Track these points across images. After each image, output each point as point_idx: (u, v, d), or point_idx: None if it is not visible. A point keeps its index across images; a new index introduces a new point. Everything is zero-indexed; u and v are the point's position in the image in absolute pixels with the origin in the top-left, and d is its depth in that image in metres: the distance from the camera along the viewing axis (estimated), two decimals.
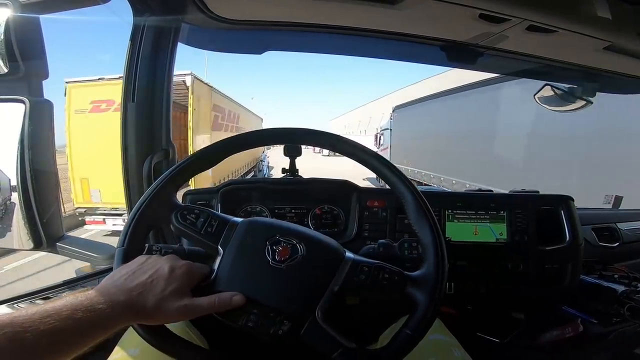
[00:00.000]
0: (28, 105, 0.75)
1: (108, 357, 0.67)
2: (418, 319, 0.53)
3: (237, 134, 0.67)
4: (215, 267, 0.55)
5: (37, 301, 0.77)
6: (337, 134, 0.68)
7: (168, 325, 0.54)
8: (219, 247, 0.55)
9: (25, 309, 0.42)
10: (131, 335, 0.68)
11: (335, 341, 0.51)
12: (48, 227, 0.79)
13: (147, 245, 0.60)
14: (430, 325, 0.53)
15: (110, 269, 0.88)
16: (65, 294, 0.46)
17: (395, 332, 0.54)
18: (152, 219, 0.58)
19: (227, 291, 0.52)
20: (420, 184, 9.04)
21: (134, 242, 0.55)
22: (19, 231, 0.78)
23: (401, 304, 0.57)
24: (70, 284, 0.86)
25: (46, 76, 0.82)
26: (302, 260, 0.54)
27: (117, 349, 0.69)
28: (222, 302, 0.51)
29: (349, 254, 0.57)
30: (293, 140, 0.71)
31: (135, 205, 0.56)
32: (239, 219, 0.58)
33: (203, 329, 0.77)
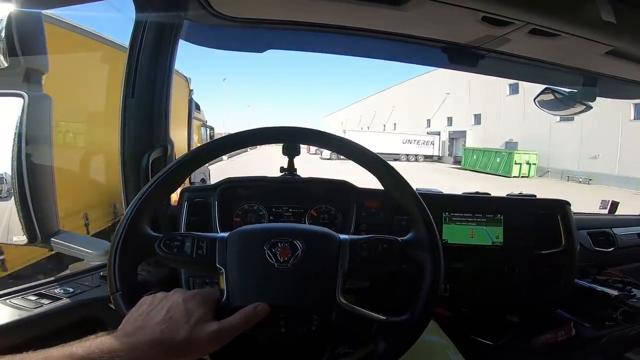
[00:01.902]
0: (27, 99, 0.75)
1: None
2: (430, 277, 0.56)
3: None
4: (224, 286, 0.53)
5: (30, 297, 0.77)
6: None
7: None
8: (218, 266, 0.54)
9: (42, 353, 0.40)
10: None
11: (367, 318, 0.53)
12: (43, 222, 0.78)
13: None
14: (441, 281, 0.56)
15: (104, 266, 0.88)
16: (86, 338, 0.44)
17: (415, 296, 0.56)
18: (134, 257, 0.55)
19: (248, 305, 0.51)
20: None
21: (127, 283, 0.53)
22: (8, 225, 0.78)
23: (405, 273, 0.57)
24: (62, 280, 0.85)
25: (46, 71, 0.82)
26: (304, 255, 0.55)
27: None
28: (249, 316, 0.50)
29: (343, 236, 0.59)
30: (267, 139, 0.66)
31: (111, 248, 0.53)
32: (225, 233, 0.57)
33: None
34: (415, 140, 26.96)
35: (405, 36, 1.10)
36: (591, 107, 1.25)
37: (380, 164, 0.62)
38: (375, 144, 22.15)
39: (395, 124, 35.10)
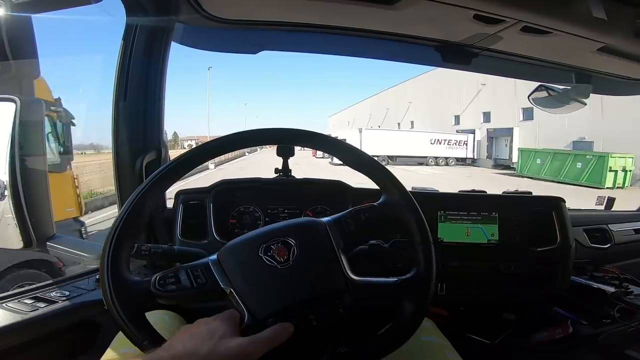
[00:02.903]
0: (19, 104, 0.75)
1: (101, 356, 0.68)
2: (417, 228, 0.59)
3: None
4: (241, 305, 0.52)
5: (26, 300, 0.77)
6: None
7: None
8: (224, 287, 0.52)
9: None
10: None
11: (382, 284, 0.56)
12: (38, 226, 0.79)
13: (135, 245, 0.58)
14: (428, 230, 0.59)
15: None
16: None
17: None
18: (137, 308, 0.52)
19: (278, 322, 0.50)
20: None
21: (147, 330, 0.51)
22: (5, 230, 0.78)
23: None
24: (60, 283, 0.86)
25: (38, 75, 0.82)
26: (300, 248, 0.55)
27: (110, 347, 0.69)
28: (279, 333, 0.49)
29: (326, 219, 0.60)
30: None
31: (110, 305, 0.50)
32: (214, 255, 0.56)
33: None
34: (445, 140, 21.72)
35: (398, 35, 1.10)
36: (585, 104, 1.26)
37: (339, 144, 0.65)
38: (396, 145, 20.16)
39: (412, 122, 28.79)
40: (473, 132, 21.76)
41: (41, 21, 0.79)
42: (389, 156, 19.32)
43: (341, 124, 43.71)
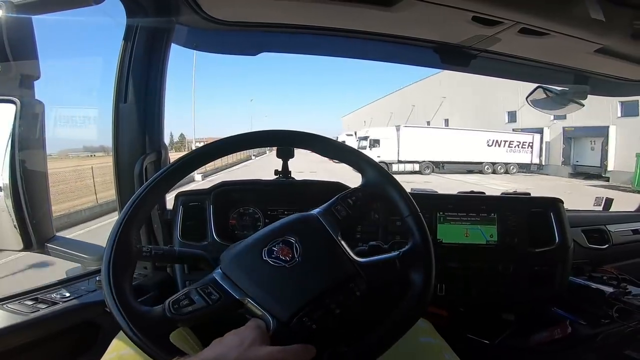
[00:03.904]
0: (19, 105, 0.75)
1: (101, 356, 0.68)
2: (402, 202, 0.61)
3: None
4: (263, 311, 0.52)
5: (26, 302, 0.77)
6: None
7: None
8: (241, 299, 0.53)
9: None
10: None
11: (387, 260, 0.58)
12: (38, 228, 0.79)
13: (137, 246, 0.58)
14: (412, 201, 0.61)
15: (100, 271, 0.89)
16: None
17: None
18: (158, 334, 0.51)
19: (304, 320, 0.51)
20: None
21: (173, 350, 0.50)
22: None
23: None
24: (63, 284, 0.86)
25: (38, 77, 0.82)
26: (301, 244, 0.56)
27: (110, 348, 0.69)
28: (304, 354, 0.49)
29: (315, 211, 0.61)
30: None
31: (135, 340, 0.50)
32: (217, 269, 0.55)
33: (201, 335, 0.77)
34: (505, 142, 16.85)
35: (397, 37, 1.11)
36: (583, 105, 1.27)
37: (315, 138, 0.66)
38: (443, 147, 16.06)
39: (446, 119, 23.43)
40: (540, 131, 16.95)
41: (42, 22, 0.79)
42: (433, 162, 16.37)
43: (357, 124, 36.57)
